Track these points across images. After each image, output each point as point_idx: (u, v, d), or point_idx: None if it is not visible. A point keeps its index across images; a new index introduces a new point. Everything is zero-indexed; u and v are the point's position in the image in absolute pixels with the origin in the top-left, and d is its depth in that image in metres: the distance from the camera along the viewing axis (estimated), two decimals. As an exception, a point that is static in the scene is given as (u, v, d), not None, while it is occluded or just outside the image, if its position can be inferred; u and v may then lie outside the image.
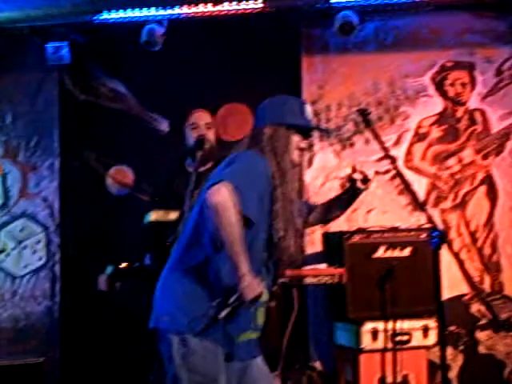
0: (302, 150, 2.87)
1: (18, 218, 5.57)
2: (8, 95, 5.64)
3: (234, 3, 4.98)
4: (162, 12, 5.08)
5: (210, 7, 5.06)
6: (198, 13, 5.10)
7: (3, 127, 5.61)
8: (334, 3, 5.01)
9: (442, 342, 3.05)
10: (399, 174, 3.28)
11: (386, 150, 3.40)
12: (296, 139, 2.83)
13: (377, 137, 3.38)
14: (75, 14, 5.05)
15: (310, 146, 2.77)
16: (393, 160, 3.42)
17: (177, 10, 5.08)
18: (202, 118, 4.33)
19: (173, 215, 3.93)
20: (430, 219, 3.03)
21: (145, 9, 5.09)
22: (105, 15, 5.11)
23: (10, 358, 4.70)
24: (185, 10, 5.08)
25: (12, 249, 5.56)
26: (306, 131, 2.86)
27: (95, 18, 5.11)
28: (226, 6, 5.05)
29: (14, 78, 5.65)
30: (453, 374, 5.08)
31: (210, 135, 4.28)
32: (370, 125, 3.40)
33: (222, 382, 2.64)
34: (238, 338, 2.68)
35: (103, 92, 5.58)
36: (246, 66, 5.34)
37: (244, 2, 4.99)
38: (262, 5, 5.00)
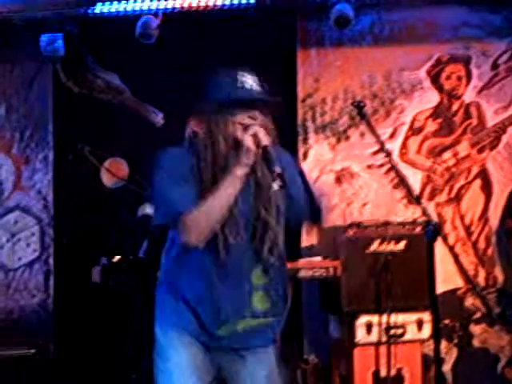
0: (245, 126, 2.49)
1: (12, 210, 5.55)
2: (1, 87, 5.61)
3: (230, -4, 4.97)
4: (156, 4, 5.06)
5: (205, 0, 5.04)
6: (192, 6, 5.08)
7: (-3, 119, 5.59)
8: (330, -4, 5.00)
9: (436, 336, 3.04)
10: (394, 168, 3.29)
11: (381, 143, 3.40)
12: (237, 115, 2.50)
13: (372, 130, 3.38)
14: (70, 6, 5.02)
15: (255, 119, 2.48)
16: (388, 153, 3.42)
17: (171, 3, 5.06)
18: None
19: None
20: (424, 212, 3.03)
21: (139, 1, 5.06)
22: (99, 7, 5.08)
23: (2, 350, 4.68)
24: (179, 2, 5.06)
25: (6, 241, 5.55)
26: (247, 104, 2.53)
27: (90, 9, 5.08)
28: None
29: (8, 70, 5.61)
30: (447, 367, 5.08)
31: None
32: (365, 118, 3.39)
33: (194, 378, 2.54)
34: (219, 329, 2.54)
35: (98, 84, 5.56)
36: (241, 59, 5.30)
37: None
38: (257, -3, 4.99)
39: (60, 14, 5.17)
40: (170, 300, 2.58)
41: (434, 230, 2.84)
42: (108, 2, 5.08)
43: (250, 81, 2.59)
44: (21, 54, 5.57)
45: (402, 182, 3.15)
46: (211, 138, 2.50)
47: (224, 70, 2.63)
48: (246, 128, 2.47)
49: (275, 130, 2.60)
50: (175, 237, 2.56)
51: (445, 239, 2.84)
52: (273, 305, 2.61)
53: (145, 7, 5.07)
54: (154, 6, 5.06)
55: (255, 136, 2.43)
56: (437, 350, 2.94)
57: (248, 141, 2.43)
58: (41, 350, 4.93)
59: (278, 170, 2.42)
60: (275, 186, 2.49)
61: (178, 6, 5.07)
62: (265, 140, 2.44)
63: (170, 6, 5.08)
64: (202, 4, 5.06)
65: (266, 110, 2.56)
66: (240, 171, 2.44)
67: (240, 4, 5.06)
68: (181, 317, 2.54)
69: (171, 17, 5.13)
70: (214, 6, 5.06)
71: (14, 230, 5.55)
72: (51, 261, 5.48)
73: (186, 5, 5.06)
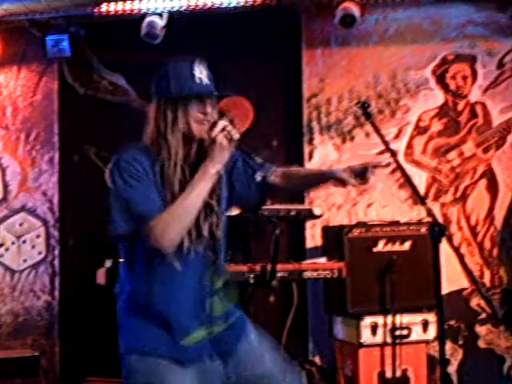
0: (200, 121, 2.39)
1: (18, 212, 5.56)
2: (8, 88, 5.62)
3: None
4: (162, 4, 5.05)
5: (210, 0, 5.04)
6: (198, 5, 5.08)
7: (3, 121, 5.59)
8: (336, -4, 4.99)
9: (441, 337, 3.02)
10: (400, 168, 3.26)
11: (386, 143, 3.38)
12: (191, 109, 2.39)
13: (377, 130, 3.36)
14: (75, 7, 5.02)
15: (216, 115, 2.40)
16: (393, 153, 3.40)
17: (177, 3, 5.05)
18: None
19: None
20: (429, 213, 3.01)
21: (145, 1, 5.06)
22: (105, 7, 5.08)
23: (8, 352, 4.69)
24: (185, 2, 5.06)
25: (11, 243, 5.55)
26: (202, 98, 2.41)
27: (95, 10, 5.08)
28: (226, -1, 5.04)
29: (14, 71, 5.63)
30: (452, 368, 5.07)
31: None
32: (370, 118, 3.38)
33: None
34: (183, 340, 2.40)
35: (103, 85, 5.56)
36: (247, 59, 5.32)
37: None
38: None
39: (66, 15, 5.18)
40: (138, 322, 2.42)
41: (438, 231, 2.83)
42: (113, 3, 5.08)
43: (205, 74, 2.45)
44: (27, 55, 5.59)
45: (407, 182, 3.12)
46: (171, 134, 2.39)
47: (177, 61, 2.48)
48: (213, 124, 2.36)
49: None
50: (137, 248, 2.42)
51: (450, 240, 2.82)
52: (230, 305, 2.55)
53: (150, 7, 5.06)
54: (159, 5, 5.05)
55: (224, 130, 2.34)
56: (442, 350, 2.91)
57: (220, 137, 2.32)
58: (47, 352, 4.94)
59: (258, 160, 2.44)
60: (258, 177, 2.49)
61: (183, 5, 5.06)
62: (235, 134, 2.36)
63: (175, 6, 5.08)
64: (208, 4, 5.05)
65: (217, 104, 2.46)
66: (213, 169, 2.34)
67: (246, 4, 5.06)
68: (153, 336, 2.39)
69: (177, 17, 5.13)
70: (220, 5, 5.06)
71: (19, 232, 5.56)
72: (56, 262, 5.48)
73: (191, 5, 5.06)
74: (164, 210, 2.31)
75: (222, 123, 2.35)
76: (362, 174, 2.53)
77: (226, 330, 2.49)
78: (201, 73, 2.43)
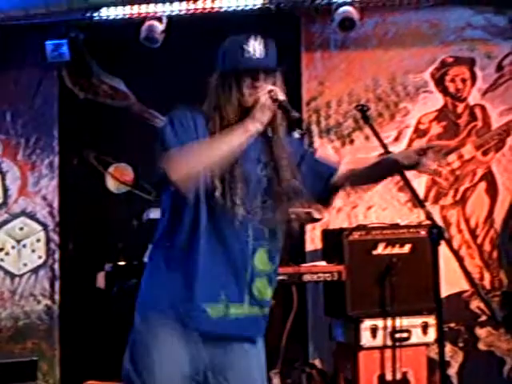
0: (251, 94, 2.38)
1: (18, 216, 5.56)
2: (7, 93, 5.63)
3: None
4: (161, 8, 5.06)
5: (209, 4, 5.05)
6: (197, 9, 5.09)
7: (2, 125, 5.60)
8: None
9: (441, 339, 3.01)
10: (399, 171, 3.27)
11: (385, 146, 3.38)
12: (244, 83, 2.40)
13: (376, 133, 3.37)
14: (75, 11, 5.03)
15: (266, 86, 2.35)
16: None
17: (176, 7, 5.06)
18: None
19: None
20: (428, 215, 3.01)
21: (144, 5, 5.07)
22: (104, 12, 5.09)
23: (8, 357, 4.69)
24: (184, 6, 5.07)
25: (11, 247, 5.56)
26: (253, 71, 2.42)
27: (95, 15, 5.09)
28: (225, 3, 5.04)
29: (14, 75, 5.63)
30: (453, 370, 5.07)
31: None
32: (369, 121, 3.38)
33: (164, 366, 2.33)
34: (211, 308, 2.33)
35: (103, 89, 5.57)
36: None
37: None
38: (262, 1, 4.98)
39: (65, 20, 5.19)
40: (161, 268, 2.39)
41: (437, 234, 2.83)
42: (113, 7, 5.09)
43: (258, 48, 2.45)
44: (26, 60, 5.59)
45: (406, 185, 3.12)
46: (225, 106, 2.40)
47: (233, 37, 2.53)
48: (253, 89, 2.38)
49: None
50: (184, 200, 2.35)
51: (449, 242, 2.82)
52: (269, 296, 2.46)
53: (150, 11, 5.07)
54: (158, 10, 5.06)
55: (271, 92, 2.34)
56: (441, 353, 2.91)
57: (264, 97, 2.33)
58: (46, 356, 4.94)
59: (296, 115, 2.39)
60: (296, 134, 2.47)
61: (183, 9, 5.07)
62: (281, 95, 2.36)
63: (174, 10, 5.08)
64: (207, 8, 5.06)
65: (271, 77, 2.45)
66: (252, 126, 2.31)
67: (245, 7, 5.06)
68: (170, 288, 2.35)
69: (176, 21, 5.14)
70: (219, 9, 5.06)
71: (19, 236, 5.56)
72: (57, 267, 5.48)
73: (190, 9, 5.07)
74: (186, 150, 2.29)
75: (268, 86, 2.36)
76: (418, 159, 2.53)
77: (253, 319, 2.42)
78: (253, 47, 2.44)
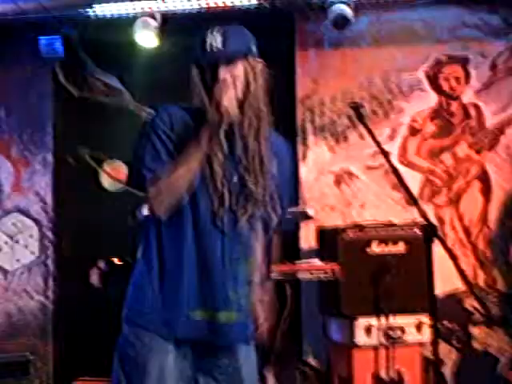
0: (219, 85, 2.32)
1: (11, 212, 5.56)
2: (1, 89, 5.62)
3: (228, -3, 4.97)
4: (155, 5, 5.05)
5: (203, 1, 5.04)
6: (192, 6, 5.08)
7: (-4, 121, 5.60)
8: (329, -3, 5.00)
9: (435, 338, 3.03)
10: (393, 169, 3.27)
11: (378, 144, 3.38)
12: (208, 77, 2.38)
13: (369, 131, 3.37)
14: (68, 7, 5.01)
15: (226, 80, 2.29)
16: (386, 154, 3.41)
17: (171, 4, 5.05)
18: None
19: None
20: (422, 214, 3.02)
21: (138, 2, 5.05)
22: (99, 8, 5.08)
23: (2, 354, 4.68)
24: (179, 3, 5.05)
25: (4, 243, 5.54)
26: (214, 65, 2.37)
27: (88, 10, 5.08)
28: (220, 0, 5.03)
29: (7, 71, 5.62)
30: (447, 369, 5.08)
31: None
32: (363, 119, 3.38)
33: (154, 371, 2.31)
34: (196, 311, 2.33)
35: (97, 86, 5.55)
36: (240, 59, 5.32)
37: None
38: (256, -1, 4.99)
39: (59, 16, 5.17)
40: (146, 282, 2.37)
41: (430, 232, 2.84)
42: (106, 4, 5.07)
43: (216, 40, 2.36)
44: (20, 56, 5.58)
45: (400, 183, 3.13)
46: (198, 100, 2.37)
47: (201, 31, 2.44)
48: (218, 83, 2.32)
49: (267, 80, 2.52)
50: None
51: (443, 241, 2.83)
52: (251, 301, 2.45)
53: (144, 8, 5.06)
54: (153, 7, 5.05)
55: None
56: (435, 351, 2.92)
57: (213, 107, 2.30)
58: (40, 352, 4.93)
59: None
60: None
61: (177, 7, 5.06)
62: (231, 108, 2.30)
63: (169, 7, 5.07)
64: (202, 5, 5.05)
65: (233, 66, 2.37)
66: (206, 137, 2.28)
67: (239, 5, 5.06)
68: (156, 300, 2.33)
69: (170, 18, 5.13)
70: (214, 7, 5.05)
71: (12, 232, 5.55)
72: (50, 263, 5.48)
73: (185, 6, 5.06)
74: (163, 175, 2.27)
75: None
76: None
77: (231, 325, 2.38)
78: (212, 39, 2.37)
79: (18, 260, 5.53)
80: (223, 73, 2.34)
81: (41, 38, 5.27)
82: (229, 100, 2.30)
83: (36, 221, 5.52)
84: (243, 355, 2.44)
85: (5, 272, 5.53)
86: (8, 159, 5.56)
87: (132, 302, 2.40)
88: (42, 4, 4.87)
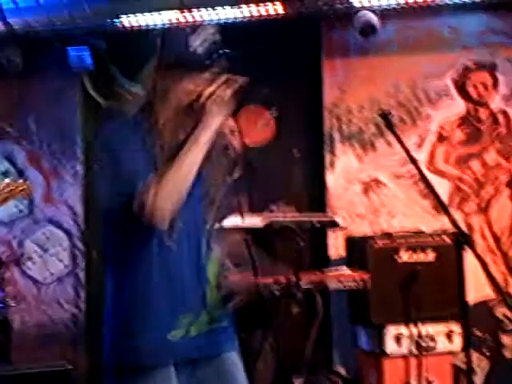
0: (189, 92, 2.26)
1: (42, 223, 5.61)
2: (30, 101, 5.68)
3: (255, 7, 4.97)
4: (182, 16, 5.08)
5: (229, 11, 5.06)
6: (218, 16, 5.10)
7: (27, 134, 5.65)
8: (355, 5, 4.99)
9: (467, 346, 3.02)
10: (422, 177, 3.26)
11: (408, 151, 3.38)
12: (185, 79, 2.26)
13: (399, 139, 3.36)
14: (97, 19, 5.06)
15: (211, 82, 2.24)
16: (415, 162, 3.40)
17: (198, 14, 5.08)
18: (225, 124, 4.30)
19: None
20: (453, 222, 3.01)
21: (165, 13, 5.08)
22: (126, 19, 5.12)
23: (36, 365, 4.71)
24: (206, 13, 5.08)
25: (37, 256, 5.60)
26: (195, 68, 2.27)
27: (116, 22, 5.12)
28: (246, 10, 5.05)
29: (36, 83, 5.68)
30: (478, 378, 5.04)
31: (235, 142, 4.24)
32: (392, 127, 3.38)
33: None
34: (172, 332, 2.21)
35: (125, 97, 5.58)
36: (267, 69, 5.33)
37: (264, 5, 4.97)
38: (282, 8, 4.99)
39: (88, 27, 5.22)
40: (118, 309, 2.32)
41: (463, 241, 2.83)
42: (133, 15, 5.11)
43: (201, 44, 2.28)
44: (49, 68, 5.63)
45: (430, 192, 3.13)
46: (162, 103, 2.25)
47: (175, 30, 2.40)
48: (189, 93, 2.25)
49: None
50: (130, 231, 2.22)
51: (474, 249, 2.82)
52: (224, 305, 2.35)
53: (172, 19, 5.09)
54: (180, 17, 5.08)
55: (214, 96, 2.22)
56: (468, 360, 2.92)
57: (208, 103, 2.22)
58: (73, 365, 4.96)
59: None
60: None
61: (205, 17, 5.09)
62: (225, 96, 2.25)
63: (196, 18, 5.10)
64: (230, 15, 5.08)
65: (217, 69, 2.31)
66: (205, 137, 2.22)
67: (265, 15, 5.07)
68: (135, 328, 2.22)
69: (197, 28, 5.14)
70: (242, 18, 5.08)
71: (43, 244, 5.61)
72: (82, 274, 5.52)
73: (212, 17, 5.08)
74: (155, 183, 2.13)
75: (208, 90, 2.23)
76: None
77: (213, 332, 2.29)
78: (197, 42, 2.28)
79: (49, 271, 5.58)
80: (204, 78, 2.28)
81: (69, 49, 5.32)
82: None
83: (67, 232, 5.57)
84: (229, 361, 2.36)
85: (37, 283, 5.58)
86: (39, 171, 5.61)
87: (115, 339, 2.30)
88: (71, 16, 4.91)
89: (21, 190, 2.89)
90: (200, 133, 2.22)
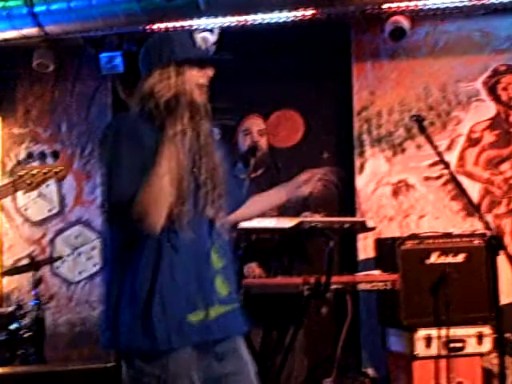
0: (201, 86, 2.41)
1: (74, 224, 5.69)
2: (63, 104, 5.76)
3: (285, 11, 4.99)
4: (213, 21, 5.12)
5: (260, 15, 5.09)
6: (248, 21, 5.13)
7: (58, 136, 5.73)
8: (385, 9, 5.00)
9: (500, 349, 3.01)
10: (454, 179, 3.28)
11: (440, 155, 3.39)
12: (193, 75, 2.38)
13: (431, 143, 3.38)
14: (129, 24, 5.11)
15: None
16: (447, 165, 3.41)
17: (228, 19, 5.11)
18: (255, 124, 4.33)
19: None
20: (486, 225, 3.01)
21: (196, 18, 5.12)
22: (157, 25, 5.17)
23: (70, 363, 4.75)
24: (235, 18, 5.11)
25: (67, 255, 5.67)
26: (202, 64, 2.41)
27: (148, 27, 5.17)
28: (276, 14, 5.07)
29: (69, 87, 5.77)
30: (508, 381, 4.99)
31: (263, 142, 4.28)
32: (425, 131, 3.40)
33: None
34: (190, 315, 2.24)
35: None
36: (297, 72, 5.36)
37: (294, 9, 4.99)
38: (312, 11, 5.00)
39: (119, 33, 5.28)
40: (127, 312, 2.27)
41: (496, 244, 2.83)
42: (164, 21, 5.16)
43: (200, 38, 2.47)
44: (81, 72, 5.72)
45: (461, 194, 3.13)
46: (177, 99, 2.32)
47: (171, 32, 2.46)
48: (201, 86, 2.39)
49: None
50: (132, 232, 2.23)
51: (506, 251, 2.82)
52: (232, 290, 2.39)
53: (201, 24, 5.13)
54: (210, 22, 5.12)
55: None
56: (501, 363, 2.91)
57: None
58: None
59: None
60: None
61: (234, 21, 5.12)
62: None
63: (226, 22, 5.13)
64: (258, 19, 5.10)
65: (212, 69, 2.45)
66: (172, 130, 2.25)
67: (295, 19, 5.09)
68: (151, 321, 2.21)
69: (228, 32, 5.19)
70: (270, 21, 5.10)
71: (75, 244, 5.68)
72: (111, 274, 5.56)
73: (241, 20, 5.11)
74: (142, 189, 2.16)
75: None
76: None
77: (225, 315, 2.33)
78: (199, 39, 2.44)
79: (80, 271, 5.65)
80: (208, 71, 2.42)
81: (101, 54, 5.38)
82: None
83: (98, 233, 5.64)
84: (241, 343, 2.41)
85: (68, 283, 5.65)
86: (71, 173, 5.68)
87: (127, 332, 2.26)
88: (104, 21, 4.97)
89: (56, 173, 2.90)
90: (169, 127, 2.26)
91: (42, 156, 5.63)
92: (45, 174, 2.88)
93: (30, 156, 5.66)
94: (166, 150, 2.22)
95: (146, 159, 2.21)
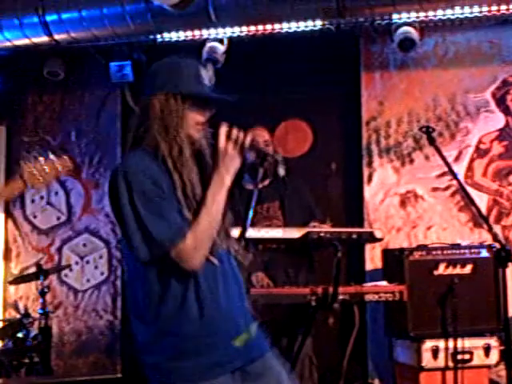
0: (201, 124, 2.30)
1: (81, 233, 5.70)
2: (72, 113, 5.78)
3: (295, 22, 4.99)
4: (222, 30, 5.12)
5: (269, 25, 5.09)
6: (258, 31, 5.14)
7: (67, 144, 5.74)
8: (394, 19, 5.00)
9: (508, 361, 2.98)
10: (463, 190, 3.27)
11: (449, 166, 3.38)
12: (193, 112, 2.29)
13: (440, 154, 3.37)
14: (138, 34, 5.13)
15: (211, 120, 2.31)
16: (456, 176, 3.40)
17: (237, 29, 5.12)
18: (260, 135, 4.35)
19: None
20: (494, 236, 3.00)
21: (206, 27, 5.13)
22: (167, 34, 5.18)
23: (77, 374, 4.75)
24: (245, 28, 5.12)
25: (75, 263, 5.68)
26: (204, 101, 2.32)
27: (158, 37, 5.19)
28: (285, 24, 5.08)
29: (78, 95, 5.79)
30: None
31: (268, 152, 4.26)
32: (434, 142, 3.39)
33: None
34: (236, 341, 2.23)
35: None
36: (306, 82, 5.37)
37: (304, 20, 4.99)
38: (321, 22, 5.01)
39: (129, 42, 5.30)
40: (172, 350, 2.25)
41: (505, 256, 2.82)
42: (175, 30, 5.17)
43: (206, 74, 2.35)
44: (91, 81, 5.74)
45: (470, 204, 3.12)
46: (180, 131, 2.24)
47: (181, 59, 2.34)
48: (200, 125, 2.29)
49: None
50: (149, 273, 2.20)
51: (513, 263, 2.82)
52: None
53: (211, 33, 5.13)
54: (220, 32, 5.12)
55: (232, 138, 2.27)
56: (509, 375, 2.88)
57: (229, 147, 2.25)
58: (108, 371, 5.00)
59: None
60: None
61: (243, 31, 5.13)
62: (244, 139, 2.29)
63: (235, 32, 5.14)
64: (268, 29, 5.11)
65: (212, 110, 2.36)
66: (229, 179, 2.24)
67: (305, 29, 5.09)
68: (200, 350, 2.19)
69: (237, 42, 5.20)
70: (280, 31, 5.10)
71: (82, 253, 5.69)
72: (119, 283, 5.58)
73: (251, 30, 5.11)
74: (187, 228, 2.15)
75: (224, 130, 2.28)
76: None
77: (259, 333, 2.33)
78: (206, 75, 2.34)
79: (87, 280, 5.66)
80: (208, 111, 2.34)
81: (111, 63, 5.40)
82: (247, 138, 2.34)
83: (105, 241, 5.65)
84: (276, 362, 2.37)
85: (75, 291, 5.65)
86: (79, 181, 5.70)
87: (167, 362, 2.26)
88: (113, 30, 4.98)
89: (64, 167, 2.90)
90: (224, 176, 2.25)
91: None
92: (55, 169, 2.89)
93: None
94: (218, 195, 2.22)
95: (168, 200, 2.18)
